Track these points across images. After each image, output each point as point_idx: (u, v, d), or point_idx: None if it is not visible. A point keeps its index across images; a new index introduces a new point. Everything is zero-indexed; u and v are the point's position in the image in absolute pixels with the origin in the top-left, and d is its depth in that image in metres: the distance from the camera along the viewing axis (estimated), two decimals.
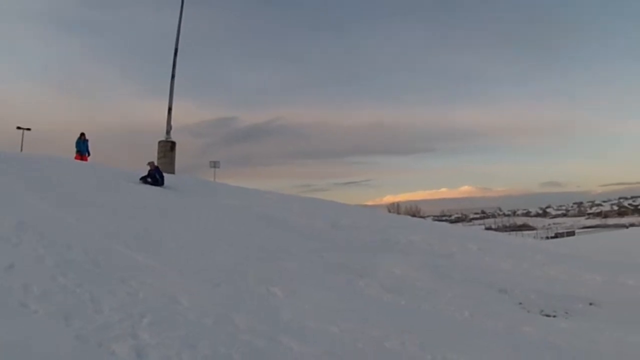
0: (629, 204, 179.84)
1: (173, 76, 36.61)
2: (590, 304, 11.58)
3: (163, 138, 35.57)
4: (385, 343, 7.67)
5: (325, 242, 14.64)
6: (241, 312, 8.04)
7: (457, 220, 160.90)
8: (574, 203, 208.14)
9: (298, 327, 7.81)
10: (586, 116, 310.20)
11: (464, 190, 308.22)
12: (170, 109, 35.95)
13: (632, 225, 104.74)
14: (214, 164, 46.75)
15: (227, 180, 25.61)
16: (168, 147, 35.15)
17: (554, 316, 10.47)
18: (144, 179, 20.14)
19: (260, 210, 18.13)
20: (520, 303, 11.24)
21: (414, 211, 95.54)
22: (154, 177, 20.24)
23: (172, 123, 35.90)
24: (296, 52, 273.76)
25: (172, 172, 31.91)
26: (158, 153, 34.52)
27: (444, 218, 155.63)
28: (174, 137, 36.02)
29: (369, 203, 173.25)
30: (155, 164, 21.61)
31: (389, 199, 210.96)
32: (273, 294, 9.52)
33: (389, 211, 72.42)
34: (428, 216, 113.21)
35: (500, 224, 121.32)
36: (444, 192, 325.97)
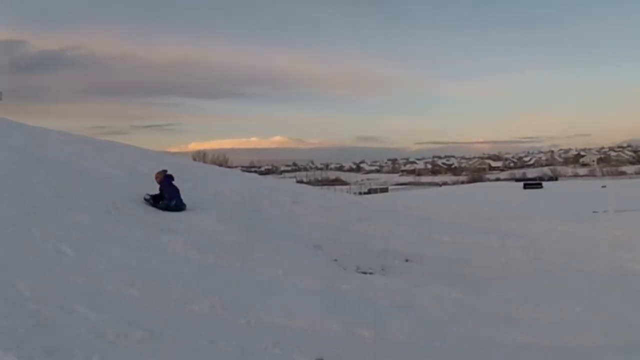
0: (443, 163, 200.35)
1: None
2: (407, 260, 12.79)
3: None
4: (192, 306, 7.74)
5: (121, 192, 14.04)
6: (25, 276, 7.48)
7: (267, 172, 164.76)
8: (389, 159, 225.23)
9: (93, 292, 7.53)
10: (407, 74, 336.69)
11: (276, 140, 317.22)
12: None
13: (445, 184, 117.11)
14: None
15: (8, 115, 22.93)
16: None
17: (371, 273, 11.35)
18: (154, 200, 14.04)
19: (43, 153, 16.69)
20: (336, 260, 11.96)
21: (221, 160, 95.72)
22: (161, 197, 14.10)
23: None
24: None
25: None
26: None
27: (253, 169, 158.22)
28: None
29: (173, 150, 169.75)
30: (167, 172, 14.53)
31: (195, 146, 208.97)
32: (62, 252, 8.96)
33: (194, 159, 71.84)
34: (236, 166, 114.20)
35: (312, 178, 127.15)
36: (254, 142, 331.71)
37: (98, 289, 7.68)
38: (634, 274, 12.98)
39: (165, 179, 14.09)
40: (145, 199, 13.81)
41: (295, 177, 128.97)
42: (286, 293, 9.13)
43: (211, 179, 19.90)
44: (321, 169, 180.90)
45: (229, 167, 77.39)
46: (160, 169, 14.45)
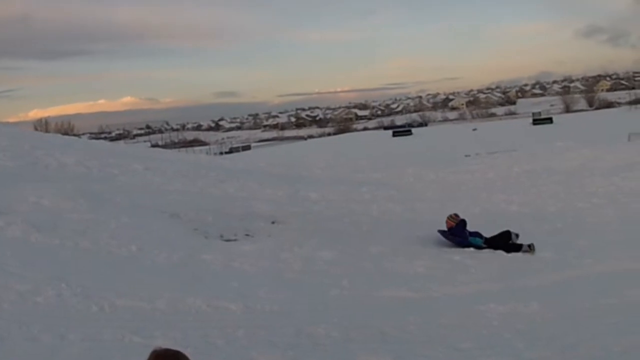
0: (307, 115, 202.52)
1: None
2: (273, 222, 12.69)
3: None
4: (37, 297, 7.35)
5: None
6: None
7: (119, 138, 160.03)
8: (250, 115, 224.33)
9: None
10: (263, 23, 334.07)
11: (126, 101, 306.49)
12: None
13: (310, 136, 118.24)
14: None
15: None
16: None
17: (235, 239, 11.19)
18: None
19: None
20: (196, 228, 11.66)
21: (66, 128, 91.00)
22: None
23: None
24: None
25: None
26: None
27: (103, 136, 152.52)
28: None
29: (12, 120, 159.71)
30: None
31: (36, 113, 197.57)
32: None
33: (36, 129, 69.27)
34: (84, 134, 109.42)
35: (168, 140, 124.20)
36: (102, 105, 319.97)
37: None
38: (511, 215, 13.69)
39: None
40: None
41: (149, 140, 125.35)
42: (142, 271, 8.82)
43: (54, 149, 18.67)
44: (177, 129, 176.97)
45: (75, 135, 74.10)
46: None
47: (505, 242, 11.20)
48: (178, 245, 10.22)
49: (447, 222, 11.68)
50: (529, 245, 10.93)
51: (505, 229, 11.45)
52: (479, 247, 11.25)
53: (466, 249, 11.04)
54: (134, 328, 6.48)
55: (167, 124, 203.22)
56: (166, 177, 16.92)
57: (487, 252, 10.87)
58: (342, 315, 7.30)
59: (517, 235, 11.28)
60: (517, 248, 10.98)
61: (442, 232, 11.76)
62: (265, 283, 8.48)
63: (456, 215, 11.80)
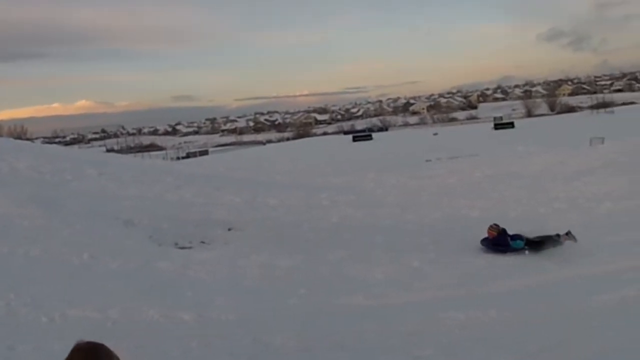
0: (265, 120, 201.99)
1: None
2: (230, 229, 12.55)
3: None
4: None
5: None
6: None
7: (74, 142, 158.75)
8: (207, 119, 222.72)
9: None
10: (221, 26, 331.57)
11: (81, 105, 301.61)
12: None
13: (269, 141, 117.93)
14: None
15: None
16: None
17: (190, 247, 11.03)
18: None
19: None
20: (151, 236, 11.48)
21: (19, 132, 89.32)
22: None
23: None
24: None
25: None
26: None
27: (57, 140, 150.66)
28: None
29: None
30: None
31: None
32: None
33: None
34: (37, 138, 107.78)
35: (124, 145, 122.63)
36: (56, 108, 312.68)
37: None
38: (472, 221, 13.75)
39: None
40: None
41: (104, 145, 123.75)
42: (95, 280, 8.62)
43: (6, 154, 18.19)
44: (133, 134, 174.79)
45: (28, 139, 72.71)
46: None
47: (548, 244, 11.32)
48: (132, 253, 10.04)
49: (488, 232, 11.63)
50: (567, 234, 11.21)
51: (554, 232, 11.49)
52: (520, 250, 11.33)
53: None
54: (86, 339, 6.27)
55: (123, 128, 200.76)
56: (121, 182, 16.63)
57: (447, 258, 10.81)
58: (300, 324, 7.23)
59: (567, 234, 11.38)
60: (556, 240, 11.21)
61: (484, 242, 11.68)
62: (221, 291, 8.37)
63: (496, 225, 11.74)
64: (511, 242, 11.48)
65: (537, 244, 11.35)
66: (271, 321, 7.36)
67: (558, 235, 11.35)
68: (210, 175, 20.88)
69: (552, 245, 11.18)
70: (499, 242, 11.51)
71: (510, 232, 11.56)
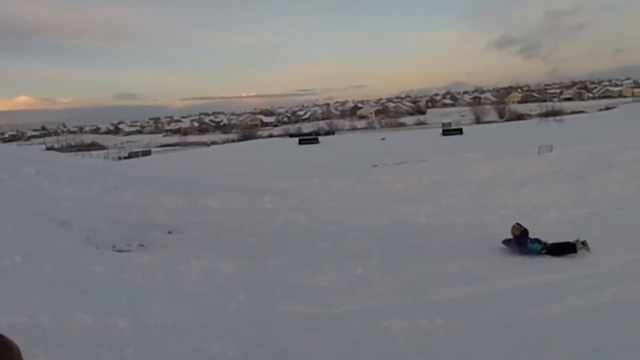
0: (210, 120, 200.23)
1: None
2: (170, 232, 12.34)
3: None
4: None
5: None
6: None
7: (12, 139, 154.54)
8: (151, 118, 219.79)
9: None
10: (168, 24, 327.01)
11: (21, 101, 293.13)
12: None
13: (213, 143, 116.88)
14: None
15: None
16: None
17: (129, 250, 10.79)
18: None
19: None
20: (88, 238, 11.19)
21: None
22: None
23: None
24: None
25: None
26: None
27: None
28: None
29: None
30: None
31: None
32: None
33: None
34: None
35: (65, 143, 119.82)
36: None
37: None
38: (418, 227, 13.82)
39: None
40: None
41: (44, 143, 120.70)
42: (26, 284, 8.29)
43: None
44: (75, 132, 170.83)
45: None
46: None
47: (566, 251, 11.37)
48: (67, 256, 9.73)
49: (512, 232, 11.86)
50: (583, 242, 11.23)
51: (573, 239, 11.47)
52: (537, 253, 11.48)
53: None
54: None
55: (64, 125, 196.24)
56: (59, 182, 16.21)
57: (392, 265, 10.80)
58: (239, 332, 7.10)
59: (583, 243, 11.37)
60: (572, 248, 11.22)
61: (506, 242, 11.96)
62: (158, 297, 8.17)
63: (519, 224, 11.99)
64: (529, 245, 11.70)
65: (554, 250, 11.50)
66: (210, 329, 7.20)
67: (576, 243, 11.42)
68: (152, 177, 20.55)
69: (567, 253, 11.25)
70: (519, 241, 11.78)
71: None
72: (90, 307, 7.43)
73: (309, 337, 6.93)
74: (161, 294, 8.37)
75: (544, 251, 11.58)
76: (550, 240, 11.66)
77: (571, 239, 11.46)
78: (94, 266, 9.24)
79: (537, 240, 11.76)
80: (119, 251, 10.67)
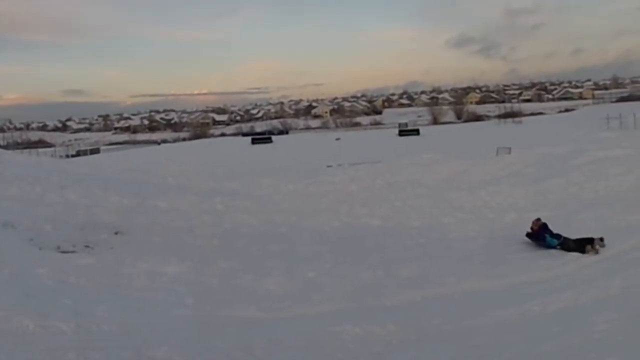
0: (161, 118, 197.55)
1: None
2: (116, 232, 12.12)
3: None
4: None
5: None
6: None
7: None
8: (100, 116, 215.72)
9: None
10: (116, 18, 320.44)
11: None
12: None
13: (164, 141, 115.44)
14: None
15: None
16: None
17: (73, 251, 10.57)
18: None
19: None
20: (32, 239, 10.92)
21: None
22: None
23: None
24: None
25: None
26: None
27: None
28: None
29: None
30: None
31: None
32: None
33: None
34: None
35: (10, 140, 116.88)
36: None
37: None
38: (372, 229, 13.78)
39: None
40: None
41: None
42: None
43: None
44: (21, 129, 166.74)
45: None
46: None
47: (583, 246, 11.59)
48: (9, 258, 9.47)
49: (532, 226, 12.41)
50: (601, 239, 11.52)
51: (590, 235, 11.69)
52: (553, 247, 11.88)
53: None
54: None
55: (10, 122, 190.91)
56: (3, 181, 15.77)
57: (344, 269, 10.75)
58: (185, 337, 7.01)
59: (601, 239, 11.60)
60: (590, 242, 11.48)
61: (529, 236, 12.46)
62: (102, 300, 8.00)
63: (538, 219, 12.52)
64: (547, 239, 12.12)
65: (570, 246, 11.79)
66: (155, 333, 7.08)
67: (593, 239, 11.65)
68: (99, 176, 20.11)
69: (582, 249, 11.49)
70: (537, 236, 12.27)
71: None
72: (32, 310, 7.23)
73: (256, 343, 6.87)
74: (106, 297, 8.20)
75: (559, 246, 11.94)
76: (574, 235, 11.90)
77: (594, 235, 11.70)
78: (36, 268, 9.01)
79: (557, 236, 12.12)
80: (64, 252, 10.44)
